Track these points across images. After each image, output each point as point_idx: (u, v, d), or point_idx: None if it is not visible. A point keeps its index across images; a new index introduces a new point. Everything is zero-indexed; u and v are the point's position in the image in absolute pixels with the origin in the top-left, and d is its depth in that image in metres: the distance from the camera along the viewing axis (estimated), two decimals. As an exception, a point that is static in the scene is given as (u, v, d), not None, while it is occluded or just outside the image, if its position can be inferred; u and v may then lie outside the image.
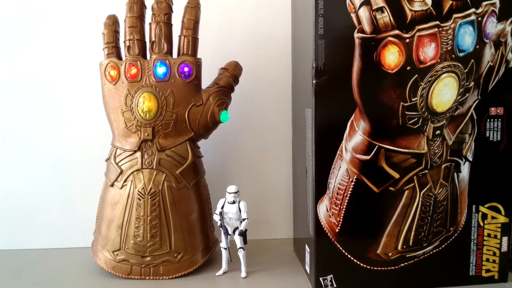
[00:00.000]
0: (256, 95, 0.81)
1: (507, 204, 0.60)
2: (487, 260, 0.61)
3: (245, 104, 0.80)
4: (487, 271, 0.62)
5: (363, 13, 0.55)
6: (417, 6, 0.55)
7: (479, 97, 0.58)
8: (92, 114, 0.78)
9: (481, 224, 0.61)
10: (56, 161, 0.79)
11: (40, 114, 0.79)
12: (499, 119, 0.59)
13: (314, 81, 0.56)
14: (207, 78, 0.69)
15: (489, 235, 0.61)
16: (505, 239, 0.61)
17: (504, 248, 0.61)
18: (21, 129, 0.79)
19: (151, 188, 0.65)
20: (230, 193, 0.65)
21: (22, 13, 0.77)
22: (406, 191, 0.58)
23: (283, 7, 0.75)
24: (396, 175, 0.58)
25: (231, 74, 0.70)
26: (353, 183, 0.58)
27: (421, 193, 0.59)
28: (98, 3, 0.77)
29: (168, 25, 0.65)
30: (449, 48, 0.56)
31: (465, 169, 0.59)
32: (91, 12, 0.77)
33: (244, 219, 0.65)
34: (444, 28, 0.55)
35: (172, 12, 0.66)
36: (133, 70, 0.65)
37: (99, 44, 0.68)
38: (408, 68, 0.56)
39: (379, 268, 0.60)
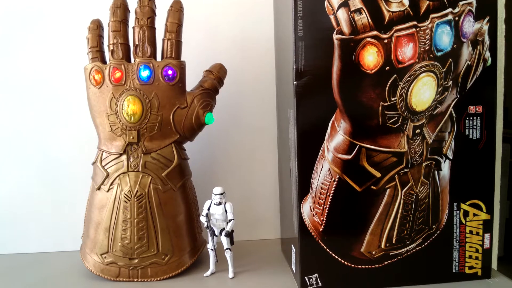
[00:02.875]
0: (241, 97, 0.81)
1: (488, 201, 0.61)
2: (470, 257, 0.62)
3: (231, 106, 0.81)
4: (470, 268, 0.62)
5: (342, 14, 0.55)
6: (395, 7, 0.56)
7: (458, 96, 0.59)
8: (80, 117, 0.78)
9: (463, 221, 0.61)
10: (44, 166, 0.80)
11: (27, 118, 0.79)
12: (478, 117, 0.59)
13: (295, 83, 0.57)
14: (192, 80, 0.69)
15: (471, 232, 0.62)
16: (487, 235, 0.62)
17: (487, 245, 0.62)
18: (9, 134, 0.79)
19: (137, 191, 0.65)
20: (215, 194, 0.65)
21: (9, 17, 0.78)
22: (388, 190, 0.59)
23: (266, 10, 0.75)
24: (378, 174, 0.59)
25: (216, 76, 0.71)
26: (335, 183, 0.59)
27: (403, 192, 0.59)
28: (82, 8, 0.78)
29: (152, 28, 0.66)
30: (427, 48, 0.56)
31: (445, 167, 0.60)
32: (76, 17, 0.77)
33: (230, 220, 0.66)
34: (422, 28, 0.56)
35: (155, 15, 0.67)
36: (117, 74, 0.65)
37: (84, 48, 0.68)
38: (387, 68, 0.56)
39: (363, 266, 0.61)
